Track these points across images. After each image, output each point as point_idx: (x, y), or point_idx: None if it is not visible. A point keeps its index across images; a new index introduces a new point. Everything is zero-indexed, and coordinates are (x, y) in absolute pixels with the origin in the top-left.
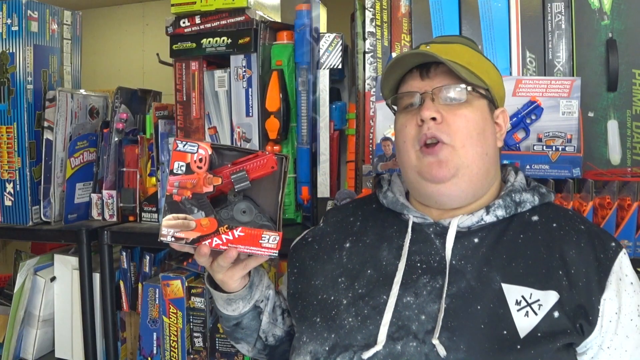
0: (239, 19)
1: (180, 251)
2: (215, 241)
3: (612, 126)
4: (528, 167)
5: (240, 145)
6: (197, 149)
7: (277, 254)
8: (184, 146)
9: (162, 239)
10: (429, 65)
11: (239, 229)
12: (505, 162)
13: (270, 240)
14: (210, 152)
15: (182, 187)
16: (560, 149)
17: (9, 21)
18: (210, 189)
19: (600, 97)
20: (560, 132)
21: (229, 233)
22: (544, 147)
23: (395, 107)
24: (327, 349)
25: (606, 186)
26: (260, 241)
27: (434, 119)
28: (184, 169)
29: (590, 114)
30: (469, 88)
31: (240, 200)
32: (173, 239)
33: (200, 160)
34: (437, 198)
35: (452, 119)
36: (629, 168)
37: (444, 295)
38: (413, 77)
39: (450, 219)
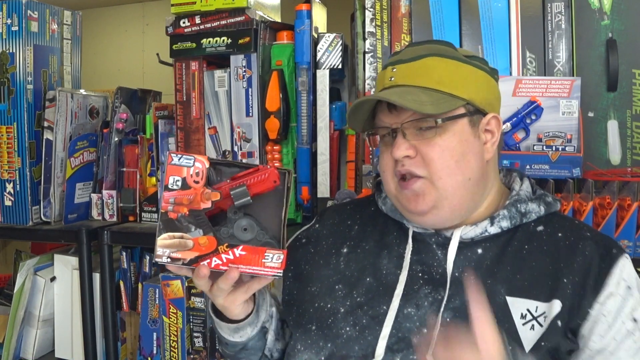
0: (239, 19)
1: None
2: (215, 261)
3: (612, 126)
4: (528, 167)
5: (241, 145)
6: (194, 162)
7: (281, 274)
8: (179, 160)
9: (157, 260)
10: None
11: (240, 247)
12: (505, 162)
13: (274, 259)
14: (207, 166)
15: (178, 204)
16: (560, 149)
17: (9, 21)
18: (208, 204)
19: (600, 97)
20: (560, 132)
21: (230, 252)
22: (544, 147)
23: (374, 136)
24: (322, 358)
25: (606, 186)
26: (263, 260)
27: (408, 156)
28: (179, 184)
29: (590, 114)
30: (439, 121)
31: (240, 217)
32: (169, 259)
33: (197, 174)
34: (423, 225)
35: (426, 151)
36: (629, 168)
37: (442, 310)
38: (382, 110)
39: (453, 230)
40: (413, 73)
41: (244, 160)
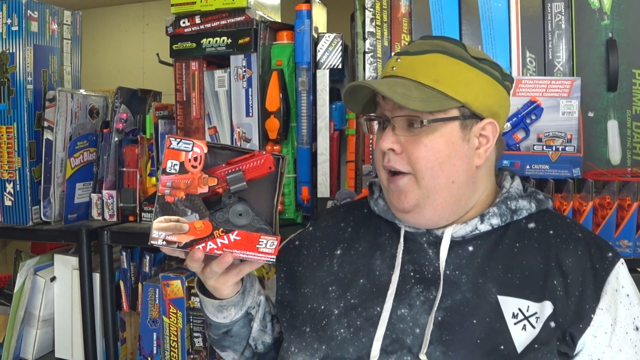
0: (239, 19)
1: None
2: (210, 245)
3: (612, 126)
4: (528, 167)
5: (240, 145)
6: (192, 147)
7: (274, 260)
8: (177, 144)
9: (152, 242)
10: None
11: (235, 232)
12: (505, 162)
13: (268, 245)
14: (206, 151)
15: (175, 188)
16: (560, 149)
17: (9, 21)
18: (205, 189)
19: (600, 97)
20: (560, 132)
21: (225, 237)
22: (544, 147)
23: (371, 122)
24: None
25: (606, 186)
26: (257, 246)
27: (392, 149)
28: (177, 168)
29: (590, 114)
30: (425, 121)
31: (235, 202)
32: (164, 242)
33: (195, 159)
34: (407, 223)
35: (412, 150)
36: (629, 168)
37: (435, 309)
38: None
39: (444, 229)
40: (414, 67)
41: None
